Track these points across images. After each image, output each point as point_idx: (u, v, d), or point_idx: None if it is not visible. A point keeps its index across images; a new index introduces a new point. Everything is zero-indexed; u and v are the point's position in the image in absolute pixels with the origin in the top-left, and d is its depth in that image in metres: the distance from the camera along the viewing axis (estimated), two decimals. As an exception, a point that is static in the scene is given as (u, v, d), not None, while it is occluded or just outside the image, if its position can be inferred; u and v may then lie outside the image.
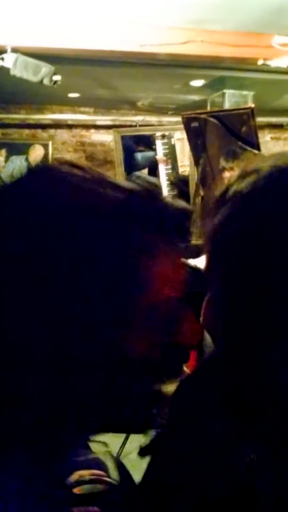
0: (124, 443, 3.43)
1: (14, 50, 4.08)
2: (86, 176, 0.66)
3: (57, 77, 4.05)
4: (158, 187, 0.69)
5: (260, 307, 0.67)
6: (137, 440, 3.23)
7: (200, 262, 3.85)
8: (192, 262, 3.80)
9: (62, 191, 0.62)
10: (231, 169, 3.98)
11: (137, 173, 7.25)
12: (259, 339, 0.67)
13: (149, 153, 7.19)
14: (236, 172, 0.76)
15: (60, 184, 0.63)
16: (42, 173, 0.68)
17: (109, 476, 1.09)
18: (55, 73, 4.09)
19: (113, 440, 3.82)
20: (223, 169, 4.02)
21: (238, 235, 0.70)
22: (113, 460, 1.19)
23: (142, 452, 0.70)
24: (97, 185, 0.65)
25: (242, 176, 0.74)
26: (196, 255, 4.08)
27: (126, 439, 3.45)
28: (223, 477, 0.59)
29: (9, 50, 4.05)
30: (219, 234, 0.73)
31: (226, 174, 4.02)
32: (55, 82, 4.06)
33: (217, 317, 0.74)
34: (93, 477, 1.02)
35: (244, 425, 0.63)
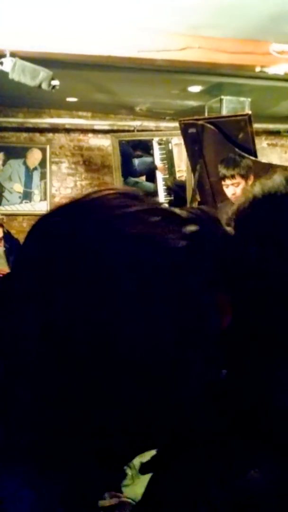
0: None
1: (13, 54, 4.09)
2: (144, 207, 0.61)
3: (55, 82, 4.06)
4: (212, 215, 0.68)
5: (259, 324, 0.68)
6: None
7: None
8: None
9: (126, 227, 0.58)
10: (232, 177, 3.99)
11: (134, 179, 7.26)
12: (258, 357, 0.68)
13: (147, 159, 7.21)
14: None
15: (121, 219, 0.59)
16: (94, 208, 0.62)
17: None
18: (53, 78, 4.09)
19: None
20: (224, 177, 4.03)
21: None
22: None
23: (143, 469, 0.69)
24: (159, 216, 0.61)
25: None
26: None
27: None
28: (226, 497, 0.59)
29: (7, 54, 4.07)
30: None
31: (227, 182, 4.04)
32: (54, 86, 4.07)
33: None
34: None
35: (248, 445, 0.62)
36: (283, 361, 0.66)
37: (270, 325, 0.67)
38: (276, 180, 0.74)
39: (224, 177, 4.05)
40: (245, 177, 4.02)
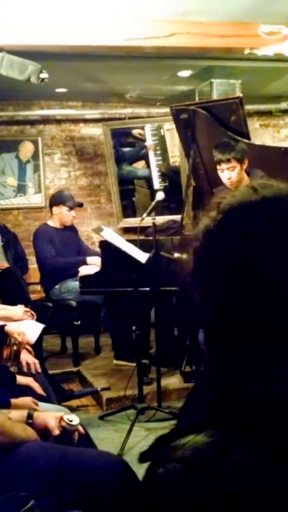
0: (126, 439, 3.45)
1: (0, 49, 4.06)
2: None
3: (44, 75, 4.02)
4: None
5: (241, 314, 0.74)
6: (140, 435, 3.27)
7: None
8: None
9: None
10: (228, 161, 3.99)
11: (128, 167, 7.25)
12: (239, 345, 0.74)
13: (137, 146, 7.19)
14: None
15: None
16: None
17: None
18: (42, 71, 4.06)
19: (115, 435, 3.88)
20: (220, 161, 4.02)
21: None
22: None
23: (142, 458, 0.72)
24: None
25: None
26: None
27: (129, 434, 3.48)
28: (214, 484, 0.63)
29: (-6, 49, 4.04)
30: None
31: (223, 166, 4.03)
32: (43, 79, 4.04)
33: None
34: None
35: (233, 434, 0.66)
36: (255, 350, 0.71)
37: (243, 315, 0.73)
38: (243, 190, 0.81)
39: (219, 162, 4.04)
40: (240, 161, 4.02)
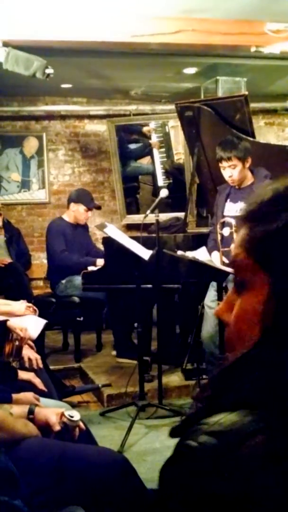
0: (126, 436, 3.46)
1: (5, 44, 4.05)
2: None
3: (49, 70, 4.01)
4: None
5: None
6: (140, 432, 3.29)
7: (198, 254, 3.86)
8: (190, 254, 3.82)
9: None
10: (229, 159, 3.97)
11: (134, 164, 7.24)
12: None
13: (142, 142, 7.18)
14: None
15: None
16: None
17: None
18: (47, 66, 4.05)
19: (115, 432, 3.88)
20: (221, 158, 4.01)
21: None
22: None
23: (173, 433, 0.75)
24: None
25: None
26: (194, 246, 4.10)
27: (129, 431, 3.48)
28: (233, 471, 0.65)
29: (0, 44, 4.03)
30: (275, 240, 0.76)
31: (224, 164, 4.02)
32: (48, 75, 4.03)
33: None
34: None
35: (262, 420, 0.68)
36: None
37: None
38: None
39: (221, 159, 4.03)
40: (242, 159, 4.00)
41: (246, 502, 0.63)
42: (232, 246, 3.45)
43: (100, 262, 5.12)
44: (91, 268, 4.98)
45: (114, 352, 5.16)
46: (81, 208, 5.39)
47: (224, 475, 0.64)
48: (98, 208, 5.76)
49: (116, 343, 5.12)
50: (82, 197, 5.47)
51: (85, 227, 5.63)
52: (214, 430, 0.68)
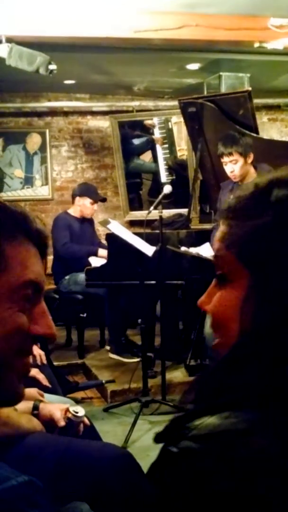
0: (130, 432, 3.46)
1: (9, 40, 4.05)
2: None
3: (53, 66, 4.01)
4: None
5: None
6: (143, 428, 3.28)
7: (201, 250, 3.85)
8: (193, 250, 3.83)
9: None
10: (230, 154, 3.97)
11: (137, 160, 7.23)
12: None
13: (145, 137, 7.17)
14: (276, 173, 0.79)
15: None
16: None
17: None
18: (50, 62, 4.05)
19: (119, 428, 3.88)
20: (222, 154, 4.00)
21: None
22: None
23: (157, 439, 0.73)
24: None
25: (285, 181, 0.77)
26: (197, 243, 4.10)
27: (133, 427, 3.49)
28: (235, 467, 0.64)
29: (3, 40, 4.03)
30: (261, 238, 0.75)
31: (225, 159, 4.01)
32: (51, 71, 4.02)
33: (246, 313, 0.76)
34: None
35: (264, 417, 0.67)
36: None
37: None
38: None
39: (222, 155, 4.02)
40: (243, 154, 3.99)
41: (229, 506, 0.63)
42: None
43: (102, 252, 5.14)
44: (93, 260, 4.99)
45: (108, 347, 5.16)
46: (86, 201, 5.40)
47: (206, 479, 0.64)
48: (104, 200, 5.76)
49: (111, 340, 5.11)
50: (87, 190, 5.49)
51: (90, 221, 5.64)
52: (194, 434, 0.68)
